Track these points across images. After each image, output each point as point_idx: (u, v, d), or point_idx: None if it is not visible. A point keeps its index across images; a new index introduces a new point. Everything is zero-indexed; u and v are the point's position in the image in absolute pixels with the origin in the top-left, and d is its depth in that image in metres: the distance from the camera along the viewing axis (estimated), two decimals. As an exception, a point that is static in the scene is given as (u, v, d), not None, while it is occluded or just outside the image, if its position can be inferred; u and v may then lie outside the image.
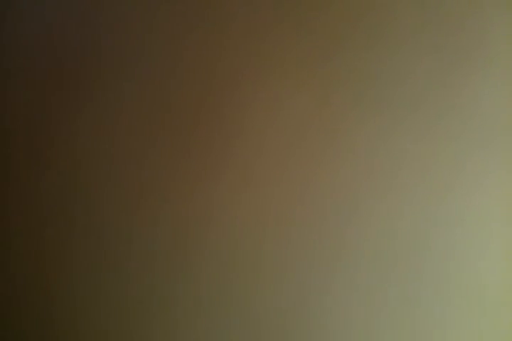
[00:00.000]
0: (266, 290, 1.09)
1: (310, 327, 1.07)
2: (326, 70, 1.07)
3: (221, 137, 1.11)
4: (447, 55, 1.02)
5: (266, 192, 1.09)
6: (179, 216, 1.13)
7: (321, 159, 1.06)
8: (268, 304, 1.09)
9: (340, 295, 1.05)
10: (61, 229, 1.18)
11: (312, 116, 1.07)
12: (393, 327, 1.03)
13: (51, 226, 1.19)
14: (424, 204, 1.02)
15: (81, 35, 1.18)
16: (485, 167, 1.00)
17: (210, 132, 1.11)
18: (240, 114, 1.10)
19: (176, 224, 1.13)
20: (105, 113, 1.17)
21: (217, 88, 1.11)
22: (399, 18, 1.04)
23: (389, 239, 1.03)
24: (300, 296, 1.07)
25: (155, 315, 1.14)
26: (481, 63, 1.01)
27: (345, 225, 1.05)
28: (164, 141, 1.14)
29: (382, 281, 1.04)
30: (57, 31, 1.19)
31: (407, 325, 1.03)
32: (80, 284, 1.17)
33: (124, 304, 1.15)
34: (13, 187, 1.22)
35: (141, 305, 1.14)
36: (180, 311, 1.12)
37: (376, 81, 1.04)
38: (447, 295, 1.01)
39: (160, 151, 1.14)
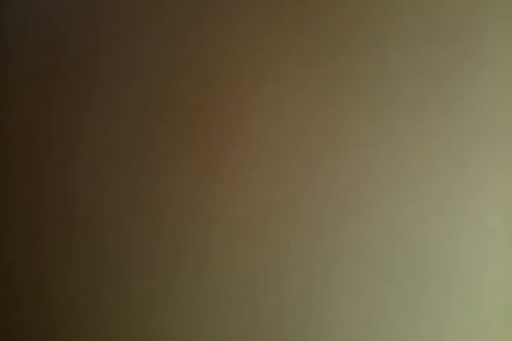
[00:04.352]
0: (267, 290, 1.08)
1: (311, 326, 1.07)
2: (327, 70, 1.07)
3: (222, 137, 1.11)
4: (448, 54, 1.02)
5: (267, 192, 1.09)
6: (179, 216, 1.12)
7: (323, 159, 1.06)
8: (269, 303, 1.08)
9: (341, 294, 1.05)
10: (61, 229, 1.18)
11: (313, 116, 1.07)
12: (394, 325, 1.03)
13: (51, 227, 1.19)
14: (426, 203, 1.02)
15: (81, 35, 1.18)
16: (487, 166, 1.00)
17: (211, 132, 1.11)
18: (240, 114, 1.10)
19: (177, 224, 1.13)
20: (105, 113, 1.17)
21: (218, 88, 1.11)
22: (400, 18, 1.04)
23: (390, 238, 1.03)
24: (301, 295, 1.07)
25: (155, 316, 1.14)
26: (482, 63, 1.01)
27: (347, 224, 1.05)
28: (164, 141, 1.13)
29: (383, 280, 1.04)
30: (57, 31, 1.19)
31: (408, 324, 1.03)
32: (80, 285, 1.17)
33: (124, 304, 1.15)
34: (13, 188, 1.22)
35: (141, 305, 1.14)
36: (181, 311, 1.12)
37: (377, 81, 1.04)
38: (448, 293, 1.01)
39: (160, 151, 1.14)
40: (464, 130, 1.01)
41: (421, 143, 1.02)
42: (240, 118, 1.10)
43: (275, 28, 1.09)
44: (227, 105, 1.11)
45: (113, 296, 1.16)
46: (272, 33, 1.09)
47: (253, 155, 1.09)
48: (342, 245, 1.05)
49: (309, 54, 1.07)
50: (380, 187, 1.04)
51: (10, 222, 1.22)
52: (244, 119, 1.10)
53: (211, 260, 1.11)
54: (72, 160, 1.18)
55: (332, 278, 1.06)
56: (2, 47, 1.23)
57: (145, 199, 1.14)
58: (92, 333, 1.17)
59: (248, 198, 1.09)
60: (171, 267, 1.13)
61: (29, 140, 1.21)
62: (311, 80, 1.07)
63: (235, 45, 1.10)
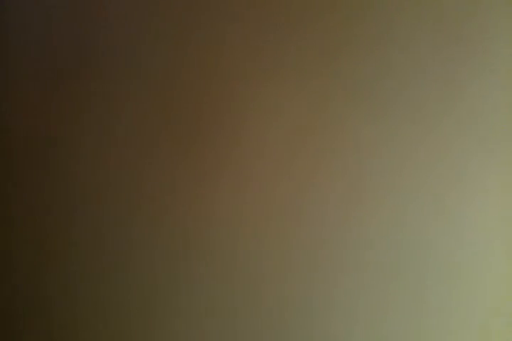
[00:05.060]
0: (269, 289, 1.08)
1: (313, 325, 1.07)
2: (326, 72, 1.06)
3: (222, 138, 1.11)
4: (449, 55, 1.02)
5: (267, 193, 1.09)
6: (181, 216, 1.12)
7: (322, 160, 1.06)
8: (271, 302, 1.08)
9: (343, 293, 1.05)
10: (61, 230, 1.18)
11: (313, 118, 1.07)
12: (395, 324, 1.03)
13: (51, 227, 1.19)
14: (426, 204, 1.02)
15: (81, 35, 1.18)
16: (486, 167, 1.00)
17: (212, 132, 1.11)
18: (241, 114, 1.10)
19: (179, 223, 1.12)
20: (105, 113, 1.17)
21: (217, 90, 1.11)
22: (401, 19, 1.04)
23: (391, 238, 1.03)
24: (303, 294, 1.07)
25: (156, 316, 1.14)
26: (484, 63, 1.01)
27: (347, 225, 1.05)
28: (165, 141, 1.13)
29: (384, 280, 1.04)
30: (58, 30, 1.19)
31: (409, 322, 1.03)
32: (81, 286, 1.17)
33: (125, 305, 1.15)
34: (13, 188, 1.22)
35: (142, 305, 1.14)
36: (182, 312, 1.12)
37: (378, 81, 1.04)
38: (450, 293, 1.01)
39: (161, 151, 1.14)
40: (465, 130, 1.01)
41: (422, 143, 1.02)
42: (241, 118, 1.10)
43: (276, 29, 1.09)
44: (228, 106, 1.10)
45: (113, 295, 1.15)
46: (273, 34, 1.09)
47: (254, 156, 1.09)
48: (343, 244, 1.05)
49: (310, 55, 1.07)
50: (381, 188, 1.04)
51: (10, 223, 1.21)
52: (246, 120, 1.10)
53: (213, 259, 1.11)
54: (73, 161, 1.18)
55: (334, 277, 1.06)
56: (2, 47, 1.23)
57: (146, 199, 1.14)
58: (91, 334, 1.17)
59: (250, 198, 1.09)
60: (172, 266, 1.13)
61: (30, 139, 1.20)
62: (311, 81, 1.07)
63: (236, 46, 1.10)
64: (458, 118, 1.01)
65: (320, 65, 1.07)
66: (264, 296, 1.09)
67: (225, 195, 1.10)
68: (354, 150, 1.05)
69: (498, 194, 0.99)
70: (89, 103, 1.17)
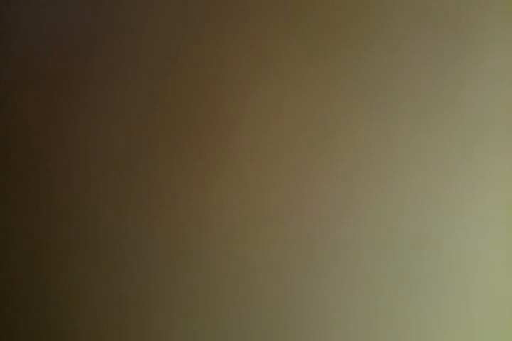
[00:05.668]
0: (263, 288, 1.08)
1: (307, 323, 1.06)
2: (324, 67, 1.07)
3: (218, 135, 1.11)
4: (445, 50, 1.02)
5: (263, 191, 1.08)
6: (176, 216, 1.12)
7: (319, 156, 1.06)
8: (264, 303, 1.08)
9: (336, 293, 1.05)
10: (58, 229, 1.18)
11: (310, 113, 1.07)
12: (391, 323, 1.03)
13: (49, 226, 1.19)
14: (423, 200, 1.02)
15: (77, 36, 1.18)
16: (485, 161, 1.00)
17: (207, 130, 1.11)
18: (236, 112, 1.10)
19: (173, 223, 1.13)
20: (101, 114, 1.17)
21: (214, 87, 1.11)
22: (396, 15, 1.04)
23: (387, 233, 1.03)
24: (297, 293, 1.07)
25: (153, 315, 1.14)
26: (481, 57, 1.01)
27: (343, 221, 1.05)
28: (160, 140, 1.14)
29: (379, 277, 1.03)
30: (55, 31, 1.20)
31: (405, 321, 1.02)
32: (78, 285, 1.17)
33: (121, 304, 1.15)
34: (10, 187, 1.22)
35: (139, 304, 1.14)
36: (178, 311, 1.12)
37: (374, 77, 1.04)
38: (445, 290, 1.01)
39: (156, 150, 1.14)
40: (461, 128, 1.01)
41: (419, 139, 1.02)
42: (236, 117, 1.10)
43: (272, 25, 1.09)
44: (223, 104, 1.11)
45: (109, 296, 1.16)
46: (270, 31, 1.09)
47: (250, 154, 1.09)
48: (338, 243, 1.05)
49: (307, 51, 1.07)
50: (377, 184, 1.04)
51: (8, 223, 1.22)
52: (241, 118, 1.10)
53: (207, 259, 1.11)
54: (68, 161, 1.18)
55: (328, 276, 1.05)
56: (2, 47, 1.23)
57: (140, 199, 1.14)
58: (89, 333, 1.17)
59: (243, 198, 1.09)
60: (168, 267, 1.13)
61: (27, 139, 1.21)
62: (308, 77, 1.07)
63: (232, 43, 1.10)
64: (454, 116, 1.01)
65: (317, 60, 1.07)
66: (258, 295, 1.08)
67: (219, 195, 1.10)
68: (351, 145, 1.05)
69: (497, 187, 0.99)
70: (87, 102, 1.18)
